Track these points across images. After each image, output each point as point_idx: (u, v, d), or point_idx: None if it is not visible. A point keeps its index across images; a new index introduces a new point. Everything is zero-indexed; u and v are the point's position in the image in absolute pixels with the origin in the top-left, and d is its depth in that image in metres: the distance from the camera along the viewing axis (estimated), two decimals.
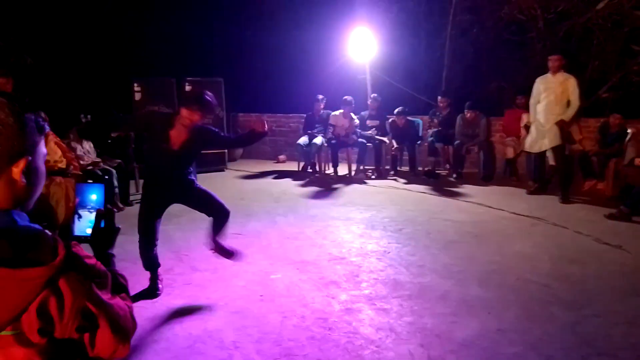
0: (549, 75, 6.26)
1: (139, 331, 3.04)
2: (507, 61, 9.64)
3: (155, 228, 3.56)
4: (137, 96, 8.29)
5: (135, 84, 8.26)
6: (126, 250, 4.44)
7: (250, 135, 3.67)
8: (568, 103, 6.12)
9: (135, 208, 6.21)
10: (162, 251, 4.52)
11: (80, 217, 1.43)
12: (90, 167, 5.82)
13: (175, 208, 6.18)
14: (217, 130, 3.75)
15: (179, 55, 10.10)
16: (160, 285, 3.64)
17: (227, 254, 3.75)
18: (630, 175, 5.74)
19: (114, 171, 6.04)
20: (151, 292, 3.59)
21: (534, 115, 6.42)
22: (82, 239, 1.38)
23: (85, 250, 1.14)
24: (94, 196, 1.47)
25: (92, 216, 1.41)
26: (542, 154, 6.53)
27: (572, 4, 8.28)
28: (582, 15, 8.23)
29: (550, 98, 6.19)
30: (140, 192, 6.81)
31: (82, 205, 1.47)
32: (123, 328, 1.12)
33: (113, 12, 9.62)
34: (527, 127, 6.76)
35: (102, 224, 1.39)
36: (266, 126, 3.59)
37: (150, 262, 3.62)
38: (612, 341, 2.88)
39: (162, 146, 3.40)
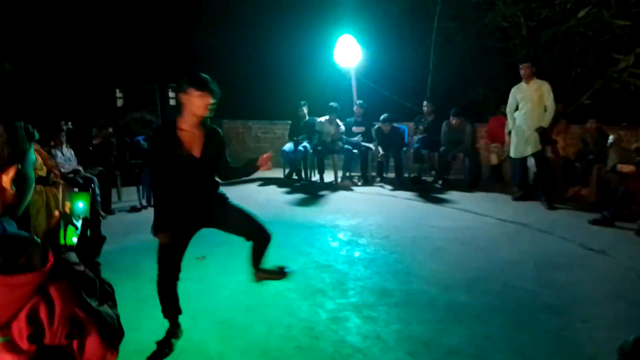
0: (523, 84, 6.36)
1: (123, 341, 2.98)
2: (492, 68, 9.73)
3: (179, 264, 2.90)
4: (120, 103, 8.22)
5: (118, 91, 8.19)
6: (109, 260, 4.38)
7: (248, 169, 3.12)
8: (545, 109, 6.22)
9: (117, 216, 6.17)
10: (145, 260, 4.47)
11: (73, 225, 1.43)
12: (71, 175, 5.73)
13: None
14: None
15: (162, 62, 10.03)
16: (173, 340, 2.95)
17: (278, 275, 3.25)
18: (613, 180, 5.81)
19: (95, 179, 5.95)
20: (165, 345, 2.92)
21: (512, 123, 6.51)
22: (69, 248, 1.38)
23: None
24: (81, 204, 1.46)
25: (78, 224, 1.41)
26: (525, 160, 6.60)
27: (555, 12, 8.40)
28: (564, 23, 8.34)
29: (528, 105, 6.28)
30: (121, 200, 6.78)
31: (69, 214, 1.47)
32: (112, 335, 1.12)
33: (95, 18, 9.53)
34: (510, 134, 6.83)
35: (89, 233, 1.39)
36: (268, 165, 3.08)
37: (172, 307, 2.96)
38: (596, 346, 2.89)
39: (180, 156, 2.72)
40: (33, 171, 1.15)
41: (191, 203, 2.84)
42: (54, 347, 1.00)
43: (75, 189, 1.47)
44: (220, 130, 2.98)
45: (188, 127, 2.74)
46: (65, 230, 1.44)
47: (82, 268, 1.15)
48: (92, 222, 1.39)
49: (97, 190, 5.94)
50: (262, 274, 3.20)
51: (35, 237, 1.02)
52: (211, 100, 2.71)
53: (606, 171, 6.12)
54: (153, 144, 2.90)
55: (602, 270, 4.11)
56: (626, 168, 5.59)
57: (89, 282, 1.14)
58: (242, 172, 3.23)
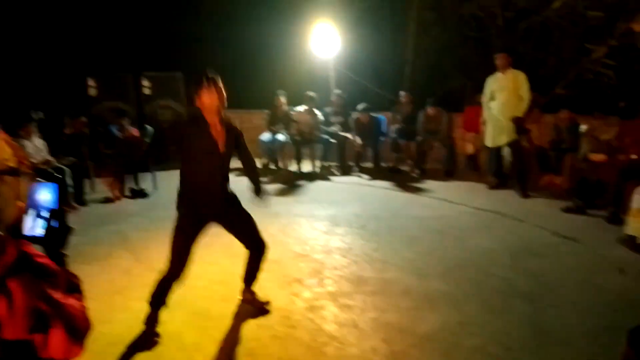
0: (499, 74, 6.43)
1: (95, 334, 2.94)
2: (469, 58, 9.80)
3: (187, 261, 2.93)
4: (92, 92, 8.03)
5: (90, 81, 8.00)
6: (81, 252, 4.31)
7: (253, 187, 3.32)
8: (521, 98, 6.30)
9: (91, 208, 6.06)
10: (119, 251, 4.41)
11: (38, 217, 1.41)
12: (42, 166, 5.59)
13: (133, 207, 6.07)
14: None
15: (136, 50, 9.83)
16: (157, 330, 2.99)
17: (262, 308, 3.28)
18: (585, 169, 5.91)
19: (67, 169, 5.82)
20: (148, 338, 2.93)
21: (488, 112, 6.58)
22: (34, 239, 1.35)
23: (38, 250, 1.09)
24: (47, 196, 1.44)
25: (45, 216, 1.39)
26: (500, 150, 6.69)
27: (531, 3, 8.49)
28: (540, 14, 8.44)
29: (504, 95, 6.36)
30: (94, 191, 6.66)
31: (35, 205, 1.45)
32: (77, 328, 1.10)
33: (68, 4, 9.27)
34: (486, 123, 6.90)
35: (55, 224, 1.37)
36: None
37: (163, 298, 3.00)
38: (567, 330, 2.96)
39: (207, 149, 2.87)
40: None
41: (210, 197, 2.97)
42: (17, 342, 0.98)
43: (42, 180, 1.44)
44: (235, 124, 3.09)
45: (213, 123, 2.89)
46: (31, 222, 1.40)
47: (46, 260, 1.12)
48: (58, 213, 1.36)
49: (69, 182, 5.82)
50: (249, 296, 3.30)
51: None
52: (219, 92, 2.85)
53: (579, 160, 6.23)
54: (180, 133, 2.91)
55: (574, 257, 4.20)
56: (597, 157, 5.70)
57: (53, 274, 1.10)
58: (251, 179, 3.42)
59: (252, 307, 3.29)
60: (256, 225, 3.19)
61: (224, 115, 2.97)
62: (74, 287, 1.30)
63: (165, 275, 2.94)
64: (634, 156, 5.31)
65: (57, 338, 1.04)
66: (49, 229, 1.35)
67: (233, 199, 3.13)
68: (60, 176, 5.46)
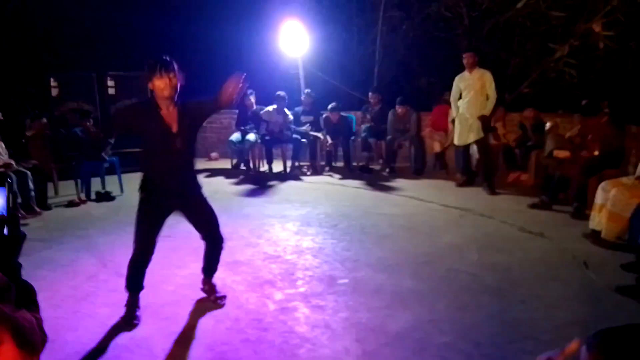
0: (465, 73, 6.53)
1: (60, 343, 2.84)
2: (436, 57, 9.92)
3: (155, 244, 3.06)
4: (54, 92, 7.79)
5: (52, 80, 7.75)
6: (44, 258, 4.17)
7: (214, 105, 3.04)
8: (487, 97, 6.42)
9: (54, 212, 5.88)
10: (84, 256, 4.29)
11: None
12: (2, 169, 5.39)
13: (99, 210, 5.91)
14: (195, 99, 3.10)
15: (100, 49, 9.56)
16: (138, 314, 3.12)
17: (218, 300, 3.35)
18: (550, 166, 6.06)
19: (29, 173, 5.63)
20: (128, 320, 3.07)
21: (456, 111, 6.68)
22: None
23: None
24: None
25: None
26: (468, 147, 6.79)
27: (495, 3, 8.64)
28: (504, 14, 8.60)
29: (471, 94, 6.47)
30: (58, 194, 6.46)
31: None
32: (30, 341, 1.04)
33: (26, 3, 8.97)
34: (454, 122, 6.99)
35: (6, 231, 1.29)
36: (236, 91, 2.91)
37: (137, 284, 3.14)
38: (535, 325, 3.01)
39: (160, 133, 2.92)
40: None
41: (169, 184, 3.01)
42: None
43: None
44: (200, 101, 3.09)
45: (164, 108, 2.94)
46: None
47: None
48: (9, 219, 1.29)
49: (31, 185, 5.62)
50: (208, 287, 3.41)
51: None
52: (171, 78, 2.88)
53: (544, 157, 6.38)
54: (131, 117, 3.09)
55: (540, 252, 4.29)
56: (562, 154, 5.85)
57: (1, 287, 1.04)
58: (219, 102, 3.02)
59: (209, 299, 3.37)
60: (216, 219, 3.24)
61: (176, 100, 2.98)
62: (26, 298, 1.23)
63: (131, 258, 3.06)
64: (596, 152, 5.46)
65: (8, 353, 0.98)
66: None
67: (195, 188, 3.17)
68: (9, 180, 5.23)
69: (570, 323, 3.00)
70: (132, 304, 3.14)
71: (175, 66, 2.94)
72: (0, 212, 1.33)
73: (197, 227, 3.25)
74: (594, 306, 3.23)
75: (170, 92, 2.90)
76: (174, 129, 2.95)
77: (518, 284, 3.61)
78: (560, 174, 5.58)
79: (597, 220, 4.52)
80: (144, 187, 3.05)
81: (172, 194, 3.04)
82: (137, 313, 3.13)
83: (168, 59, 2.92)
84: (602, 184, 4.60)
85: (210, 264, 3.37)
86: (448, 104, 7.44)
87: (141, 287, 3.18)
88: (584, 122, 5.97)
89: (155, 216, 3.05)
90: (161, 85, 2.88)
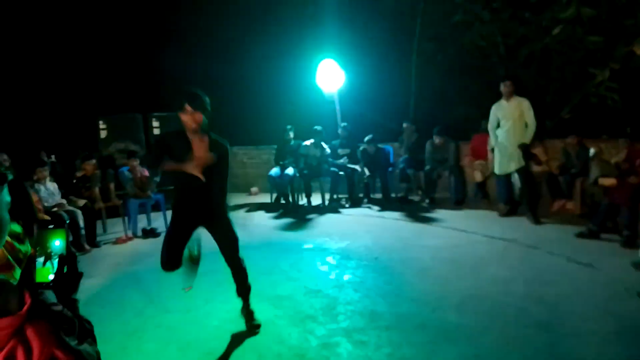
0: (503, 102, 6.48)
1: None
2: (472, 86, 9.90)
3: (180, 256, 3.36)
4: (103, 134, 8.18)
5: (101, 122, 8.15)
6: (93, 294, 4.32)
7: None
8: (526, 125, 6.33)
9: (103, 249, 6.10)
10: (132, 292, 4.41)
11: (50, 262, 1.42)
12: (55, 209, 5.66)
13: (145, 247, 6.09)
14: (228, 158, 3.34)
15: (145, 91, 10.03)
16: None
17: (253, 325, 3.51)
18: (596, 193, 5.88)
19: (79, 212, 5.89)
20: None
21: (495, 140, 6.60)
22: (45, 286, 1.36)
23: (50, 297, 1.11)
24: (57, 242, 1.45)
25: (55, 262, 1.40)
26: (510, 176, 6.68)
27: (530, 30, 8.61)
28: (540, 41, 8.54)
29: (510, 123, 6.39)
30: (106, 232, 6.71)
31: (45, 251, 1.45)
32: None
33: (77, 49, 9.54)
34: (493, 151, 6.90)
35: (65, 269, 1.37)
36: None
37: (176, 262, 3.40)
38: None
39: (185, 156, 3.16)
40: (7, 213, 1.13)
41: (193, 201, 3.27)
42: None
43: (51, 226, 1.46)
44: (226, 143, 3.34)
45: (192, 136, 3.19)
46: (41, 268, 1.42)
47: (59, 307, 1.14)
48: (68, 258, 1.38)
49: (81, 224, 5.86)
50: (246, 312, 3.57)
51: (11, 280, 1.01)
52: (201, 116, 3.13)
53: (589, 184, 6.20)
54: (167, 142, 3.29)
55: (590, 283, 4.13)
56: (607, 182, 5.66)
57: (67, 321, 1.12)
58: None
59: (246, 322, 3.53)
60: (236, 241, 3.44)
61: (201, 132, 3.20)
62: (87, 332, 1.30)
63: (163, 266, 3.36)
64: None
65: None
66: (59, 274, 1.36)
67: (219, 213, 3.36)
68: (68, 221, 5.49)
69: (625, 359, 2.86)
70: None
71: (202, 100, 3.15)
72: (60, 251, 1.42)
73: (220, 250, 3.45)
74: None
75: (194, 125, 3.13)
76: (202, 155, 3.15)
77: (567, 317, 3.48)
78: (608, 201, 5.39)
79: None
80: (174, 204, 3.40)
81: (195, 213, 3.30)
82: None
83: (192, 94, 3.13)
84: None
85: (241, 287, 3.53)
86: (487, 132, 7.37)
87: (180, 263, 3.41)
88: (631, 147, 5.79)
89: (182, 230, 3.32)
90: (185, 119, 3.13)
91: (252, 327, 3.49)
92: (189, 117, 3.11)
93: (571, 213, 6.54)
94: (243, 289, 3.54)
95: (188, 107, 3.10)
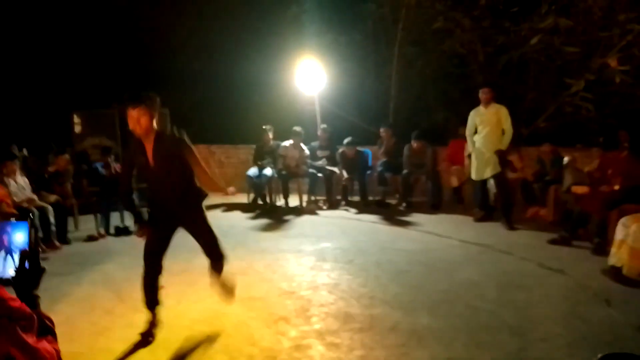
0: (481, 108, 6.56)
1: None
2: (451, 92, 9.99)
3: (160, 259, 3.33)
4: (77, 129, 8.01)
5: (75, 116, 7.98)
6: (63, 292, 4.21)
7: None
8: (503, 132, 6.41)
9: (74, 246, 5.97)
10: (102, 291, 4.32)
11: (9, 258, 1.38)
12: (25, 205, 5.52)
13: (117, 245, 5.98)
14: (191, 148, 3.28)
15: (121, 86, 9.86)
16: (154, 330, 3.36)
17: (228, 293, 3.62)
18: (569, 201, 5.98)
19: (50, 207, 5.75)
20: (145, 336, 3.31)
21: (472, 145, 6.68)
22: (5, 281, 1.32)
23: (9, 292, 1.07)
24: (19, 236, 1.41)
25: (16, 256, 1.37)
26: (486, 182, 6.76)
27: (509, 39, 8.73)
28: (518, 49, 8.68)
29: (487, 129, 6.47)
30: (78, 229, 6.57)
31: (5, 246, 1.42)
32: None
33: (51, 41, 9.33)
34: (470, 157, 6.98)
35: (27, 265, 1.34)
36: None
37: (154, 298, 3.38)
38: None
39: (143, 166, 3.21)
40: None
41: (165, 205, 3.27)
42: None
43: (13, 220, 1.41)
44: (178, 137, 3.37)
45: (143, 141, 3.16)
46: (2, 263, 1.37)
47: (18, 303, 1.09)
48: (30, 254, 1.34)
49: (52, 220, 5.73)
50: (217, 280, 3.56)
51: None
52: (145, 112, 3.05)
53: (563, 191, 6.31)
54: (130, 151, 3.35)
55: (560, 289, 4.19)
56: (580, 189, 5.78)
57: (26, 317, 1.08)
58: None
59: (223, 292, 3.59)
60: (214, 239, 3.41)
61: (155, 135, 3.16)
62: (47, 329, 1.26)
63: (142, 276, 3.32)
64: (616, 187, 5.39)
65: None
66: (21, 270, 1.32)
67: (190, 208, 3.33)
68: (31, 216, 5.31)
69: None
70: (153, 322, 3.36)
71: (150, 101, 3.08)
72: (22, 246, 1.38)
73: (200, 244, 3.43)
74: (617, 345, 3.13)
75: (140, 127, 3.08)
76: (150, 160, 3.17)
77: (538, 321, 3.52)
78: (580, 209, 5.50)
79: (618, 256, 4.42)
80: (149, 209, 3.41)
81: (169, 215, 3.29)
82: (153, 330, 3.35)
83: (134, 96, 3.04)
84: (622, 220, 4.52)
85: (214, 272, 3.53)
86: (464, 138, 7.45)
87: (156, 302, 3.38)
88: (603, 156, 5.91)
89: (159, 234, 3.31)
90: (131, 122, 3.08)
91: (228, 291, 3.59)
92: (134, 122, 3.06)
93: (544, 220, 6.65)
94: (218, 270, 3.53)
95: (132, 112, 3.04)
